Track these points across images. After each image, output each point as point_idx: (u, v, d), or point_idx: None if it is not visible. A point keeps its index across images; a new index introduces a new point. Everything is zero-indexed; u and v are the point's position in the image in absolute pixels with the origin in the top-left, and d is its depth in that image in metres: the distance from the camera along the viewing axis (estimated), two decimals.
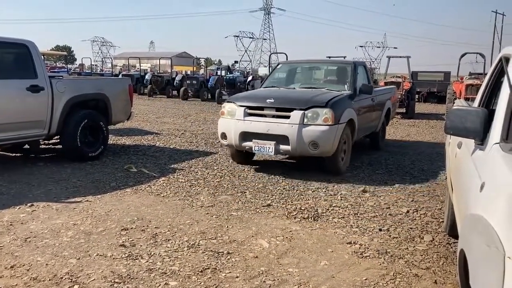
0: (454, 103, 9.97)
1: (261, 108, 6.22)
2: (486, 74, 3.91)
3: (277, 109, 6.10)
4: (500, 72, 3.11)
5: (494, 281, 1.50)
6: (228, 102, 6.69)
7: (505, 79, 2.39)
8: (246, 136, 6.22)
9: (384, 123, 8.80)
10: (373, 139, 8.58)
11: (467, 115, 2.39)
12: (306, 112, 5.94)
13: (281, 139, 5.99)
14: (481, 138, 2.35)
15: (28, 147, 7.13)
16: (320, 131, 5.86)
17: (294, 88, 7.33)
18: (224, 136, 6.47)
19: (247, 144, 6.21)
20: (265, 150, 6.08)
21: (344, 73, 7.48)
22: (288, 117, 5.99)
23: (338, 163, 6.29)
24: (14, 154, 7.29)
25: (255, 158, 7.19)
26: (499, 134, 2.20)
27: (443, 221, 4.33)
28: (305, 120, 5.92)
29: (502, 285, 1.46)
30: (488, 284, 1.56)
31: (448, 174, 4.01)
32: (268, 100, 6.23)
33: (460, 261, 2.05)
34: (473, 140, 2.47)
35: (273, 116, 6.11)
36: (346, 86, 7.09)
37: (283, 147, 6.01)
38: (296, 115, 5.94)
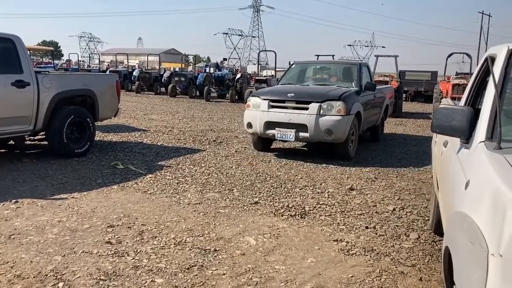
0: (440, 102, 10.08)
1: (283, 101, 7.19)
2: (472, 74, 3.95)
3: (297, 102, 7.07)
4: (485, 72, 3.14)
5: (478, 278, 1.52)
6: (253, 96, 7.64)
7: (490, 79, 2.41)
8: (269, 125, 7.17)
9: (383, 118, 9.81)
10: (374, 132, 9.51)
11: (453, 114, 2.41)
12: (322, 104, 6.90)
13: (301, 127, 6.95)
14: (467, 136, 2.37)
15: (13, 143, 7.03)
16: (334, 120, 6.84)
17: (308, 85, 8.28)
18: (249, 125, 7.39)
19: (271, 131, 7.16)
20: (287, 136, 7.06)
21: (351, 72, 8.42)
22: (306, 108, 6.95)
23: (348, 149, 7.23)
24: None
25: (272, 146, 8.07)
26: (484, 133, 2.22)
27: (428, 219, 4.38)
28: (321, 111, 6.88)
29: (486, 281, 1.48)
30: (471, 280, 1.58)
31: (434, 172, 4.04)
32: (289, 94, 7.20)
33: (445, 258, 2.07)
34: (459, 139, 2.49)
35: (294, 108, 7.08)
36: (353, 83, 8.03)
37: (302, 134, 6.96)
38: (313, 107, 6.91)
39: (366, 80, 8.35)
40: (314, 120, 6.84)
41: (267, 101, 7.25)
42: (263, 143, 7.78)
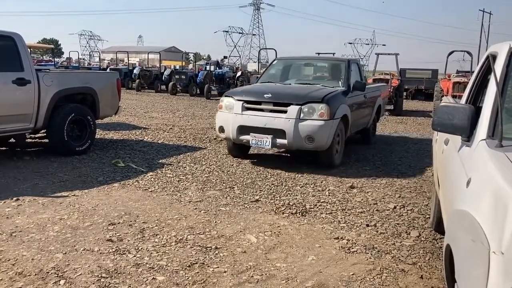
0: (441, 100, 10.04)
1: (259, 103, 6.37)
2: (473, 72, 3.95)
3: (275, 104, 6.27)
4: (487, 70, 3.14)
5: (479, 276, 1.52)
6: (226, 96, 6.81)
7: (491, 77, 2.41)
8: (243, 129, 6.37)
9: (375, 119, 9.03)
10: (364, 135, 8.75)
11: (454, 111, 2.41)
12: (302, 107, 6.10)
13: (278, 133, 6.15)
14: (468, 134, 2.37)
15: (14, 141, 7.03)
16: (316, 125, 6.04)
17: (290, 84, 7.45)
18: (222, 129, 6.61)
19: (245, 137, 6.37)
20: (262, 143, 6.25)
21: (338, 70, 7.63)
22: (285, 111, 6.15)
23: (333, 157, 6.45)
24: None
25: (250, 152, 7.32)
26: (485, 131, 2.22)
27: (429, 217, 4.38)
28: (302, 115, 6.09)
29: (487, 279, 1.48)
30: (473, 278, 1.58)
31: (435, 171, 4.04)
32: (265, 95, 6.38)
33: (446, 256, 2.07)
34: (460, 137, 2.49)
35: (271, 111, 6.28)
36: (340, 82, 7.23)
37: (279, 140, 6.17)
38: (293, 109, 6.11)
39: (356, 78, 7.53)
40: (293, 125, 6.04)
41: (241, 102, 6.44)
42: (239, 148, 6.98)
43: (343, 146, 6.77)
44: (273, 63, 8.53)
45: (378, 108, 9.02)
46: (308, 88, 6.88)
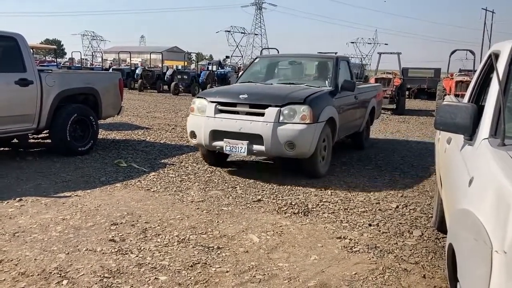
0: (444, 99, 10.00)
1: (234, 105, 5.76)
2: (475, 71, 3.94)
3: (251, 106, 5.65)
4: (489, 69, 3.13)
5: (482, 275, 1.51)
6: (198, 97, 6.19)
7: (494, 75, 2.40)
8: (217, 135, 5.74)
9: (368, 122, 8.43)
10: (356, 140, 8.12)
11: (457, 110, 2.41)
12: (282, 109, 5.48)
13: (255, 138, 5.54)
14: (470, 133, 2.36)
15: (17, 141, 7.05)
16: (297, 130, 5.42)
17: (272, 84, 6.80)
18: (193, 134, 5.98)
19: (218, 143, 5.73)
20: (237, 150, 5.62)
21: (325, 69, 7.01)
22: (262, 114, 5.54)
23: (317, 166, 5.81)
24: (2, 148, 7.21)
25: (229, 159, 6.72)
26: (488, 130, 2.22)
27: (432, 217, 4.37)
28: (281, 117, 5.47)
29: (489, 278, 1.48)
30: (475, 277, 1.58)
31: (437, 170, 4.04)
32: (241, 96, 5.76)
33: (449, 256, 2.07)
34: (462, 136, 2.49)
35: (247, 113, 5.66)
36: (327, 82, 6.64)
37: (256, 147, 5.55)
38: (271, 112, 5.49)
39: (345, 77, 6.85)
40: (271, 130, 5.40)
41: (215, 104, 5.79)
42: (215, 155, 6.31)
43: (330, 152, 6.14)
44: (255, 61, 7.80)
45: (372, 110, 8.36)
46: (290, 88, 6.21)
